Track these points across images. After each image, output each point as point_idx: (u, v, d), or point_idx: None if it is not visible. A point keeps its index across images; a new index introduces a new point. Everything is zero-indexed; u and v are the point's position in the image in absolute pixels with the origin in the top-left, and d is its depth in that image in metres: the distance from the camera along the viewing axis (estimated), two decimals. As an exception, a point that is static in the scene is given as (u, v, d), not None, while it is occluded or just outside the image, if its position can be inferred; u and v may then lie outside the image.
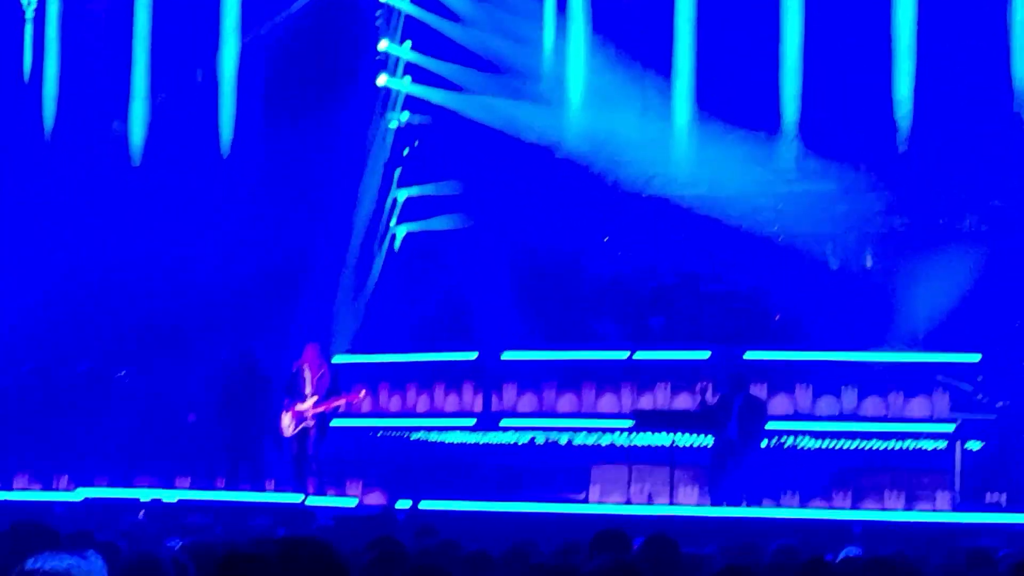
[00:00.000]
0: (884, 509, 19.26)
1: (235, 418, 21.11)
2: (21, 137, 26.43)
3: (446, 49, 25.47)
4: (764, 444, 19.59)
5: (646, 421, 19.97)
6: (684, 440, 19.82)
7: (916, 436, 20.11)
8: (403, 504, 18.63)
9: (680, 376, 21.15)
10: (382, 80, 25.76)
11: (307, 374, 20.15)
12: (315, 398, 20.09)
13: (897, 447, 20.19)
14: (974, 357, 20.19)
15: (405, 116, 26.00)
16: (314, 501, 19.57)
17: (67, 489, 21.40)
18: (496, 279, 23.17)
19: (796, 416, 20.59)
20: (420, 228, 25.63)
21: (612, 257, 24.24)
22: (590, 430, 21.22)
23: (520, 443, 21.50)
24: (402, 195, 25.88)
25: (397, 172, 25.97)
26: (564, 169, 24.58)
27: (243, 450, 21.12)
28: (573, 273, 23.87)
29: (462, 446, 21.80)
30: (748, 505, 18.66)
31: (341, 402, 20.45)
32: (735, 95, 23.88)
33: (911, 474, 19.92)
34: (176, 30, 26.16)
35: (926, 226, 22.69)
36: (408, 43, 25.87)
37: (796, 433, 20.32)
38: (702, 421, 19.47)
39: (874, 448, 20.31)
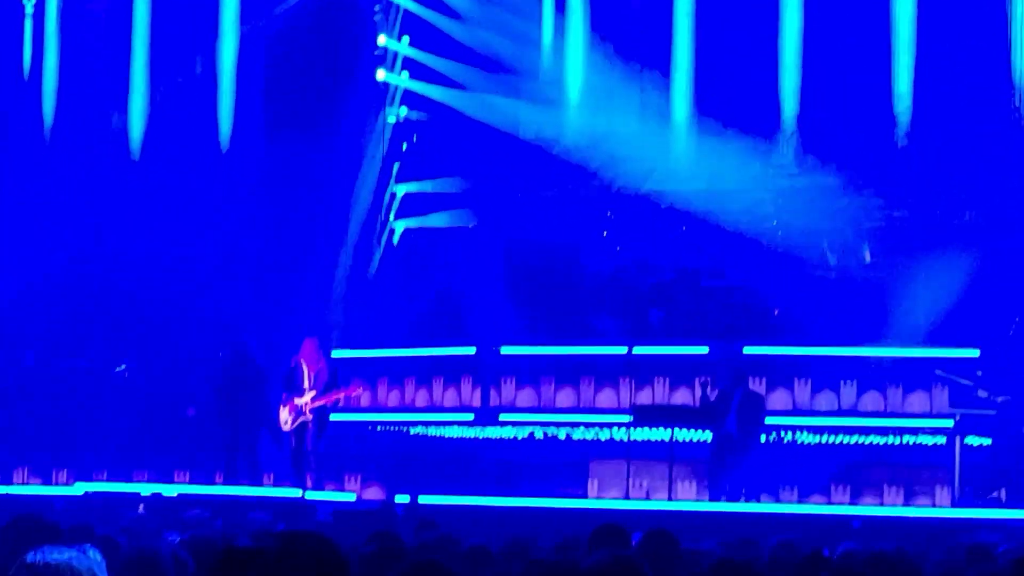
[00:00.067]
0: (883, 504, 19.27)
1: (230, 414, 21.11)
2: (21, 132, 26.43)
3: (444, 46, 25.47)
4: (763, 439, 19.60)
5: (645, 416, 19.97)
6: (683, 435, 19.82)
7: (915, 431, 20.11)
8: (402, 499, 18.63)
9: (679, 371, 21.15)
10: (381, 75, 25.76)
11: (305, 369, 20.16)
12: (313, 393, 20.09)
13: (896, 442, 20.19)
14: (974, 352, 20.19)
15: (404, 112, 26.01)
16: (313, 496, 19.58)
17: (67, 483, 21.43)
18: (495, 274, 23.17)
19: (795, 411, 20.59)
20: (419, 224, 25.63)
21: (611, 252, 24.23)
22: (589, 425, 21.21)
23: (519, 438, 21.50)
24: (400, 191, 25.89)
25: (396, 167, 25.98)
26: (563, 164, 24.58)
27: (240, 446, 21.11)
28: (572, 268, 23.85)
29: (461, 441, 21.79)
30: (747, 500, 18.67)
31: (340, 396, 20.46)
32: (734, 90, 23.89)
33: (910, 469, 19.92)
34: (175, 25, 26.15)
35: (925, 221, 22.69)
36: (406, 39, 25.87)
37: (795, 428, 20.31)
38: (701, 416, 19.47)
39: (873, 443, 20.30)
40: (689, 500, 19.40)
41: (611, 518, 9.25)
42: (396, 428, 22.31)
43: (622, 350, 21.39)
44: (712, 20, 24.33)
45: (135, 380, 23.62)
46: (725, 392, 19.30)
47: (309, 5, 25.84)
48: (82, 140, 26.20)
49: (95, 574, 5.38)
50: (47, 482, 22.25)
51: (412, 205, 25.80)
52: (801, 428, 20.34)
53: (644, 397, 21.01)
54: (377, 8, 25.88)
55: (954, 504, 18.91)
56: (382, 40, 25.75)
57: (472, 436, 21.74)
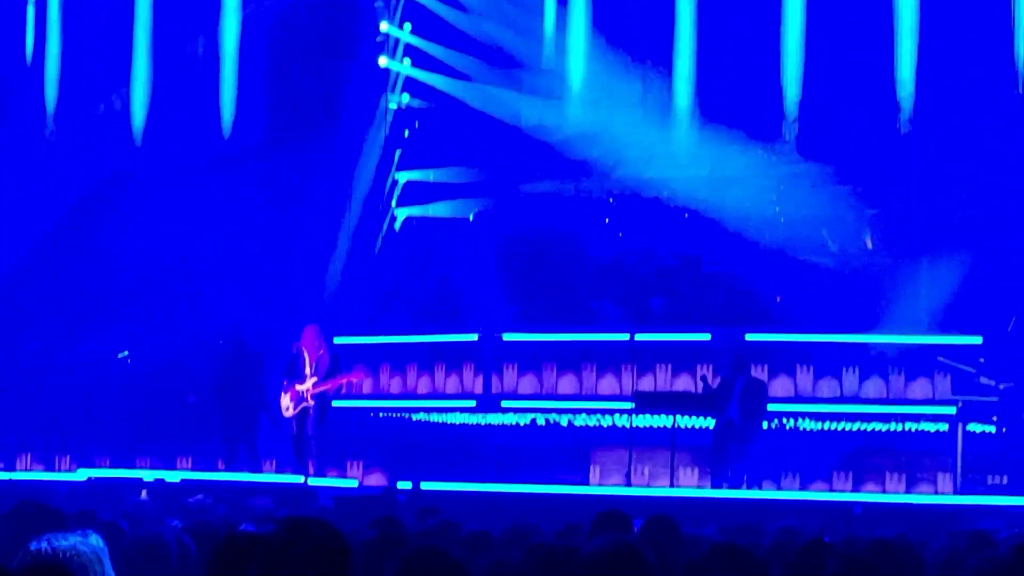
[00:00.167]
0: (885, 491, 19.27)
1: (229, 401, 21.10)
2: (23, 118, 26.42)
3: (446, 35, 25.46)
4: (765, 426, 19.61)
5: (647, 403, 19.96)
6: (685, 422, 19.83)
7: (917, 418, 20.12)
8: (404, 485, 18.64)
9: (681, 358, 21.15)
10: (383, 62, 25.74)
11: (306, 355, 20.15)
12: (315, 379, 20.09)
13: (898, 429, 20.20)
14: (976, 339, 20.19)
15: (405, 98, 25.99)
16: (315, 482, 19.59)
17: (70, 470, 21.45)
18: (496, 261, 23.17)
19: (797, 398, 20.59)
20: (421, 214, 25.63)
21: (613, 239, 24.24)
22: (591, 412, 21.22)
23: (521, 424, 21.51)
24: (403, 178, 25.88)
25: (397, 154, 25.97)
26: (564, 155, 24.56)
27: (240, 433, 21.11)
28: (573, 254, 23.86)
29: (463, 427, 21.81)
30: (749, 487, 18.67)
31: (341, 382, 20.46)
32: (736, 77, 23.87)
33: (912, 456, 19.93)
34: (177, 8, 26.14)
35: (928, 207, 22.67)
36: (408, 26, 25.85)
37: (797, 415, 20.32)
38: (703, 403, 19.48)
39: (875, 430, 20.31)
40: (691, 487, 19.40)
41: (613, 505, 9.25)
42: (398, 415, 22.32)
43: (624, 337, 21.39)
44: (714, 8, 24.30)
45: (137, 366, 23.63)
46: (727, 379, 19.30)
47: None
48: (84, 125, 26.20)
49: (99, 559, 5.39)
50: (50, 468, 22.27)
51: (414, 193, 25.79)
52: (803, 415, 20.35)
53: (646, 384, 21.01)
54: (378, -6, 25.88)
55: (956, 491, 18.91)
56: (384, 27, 25.73)
57: (474, 422, 21.76)
